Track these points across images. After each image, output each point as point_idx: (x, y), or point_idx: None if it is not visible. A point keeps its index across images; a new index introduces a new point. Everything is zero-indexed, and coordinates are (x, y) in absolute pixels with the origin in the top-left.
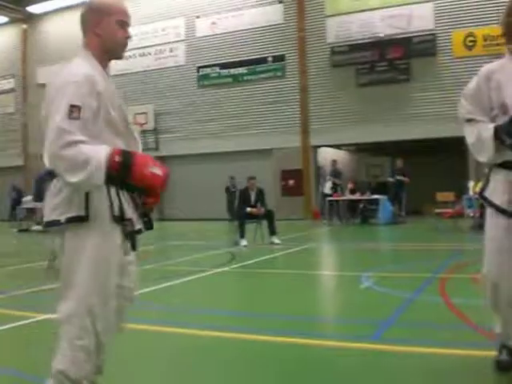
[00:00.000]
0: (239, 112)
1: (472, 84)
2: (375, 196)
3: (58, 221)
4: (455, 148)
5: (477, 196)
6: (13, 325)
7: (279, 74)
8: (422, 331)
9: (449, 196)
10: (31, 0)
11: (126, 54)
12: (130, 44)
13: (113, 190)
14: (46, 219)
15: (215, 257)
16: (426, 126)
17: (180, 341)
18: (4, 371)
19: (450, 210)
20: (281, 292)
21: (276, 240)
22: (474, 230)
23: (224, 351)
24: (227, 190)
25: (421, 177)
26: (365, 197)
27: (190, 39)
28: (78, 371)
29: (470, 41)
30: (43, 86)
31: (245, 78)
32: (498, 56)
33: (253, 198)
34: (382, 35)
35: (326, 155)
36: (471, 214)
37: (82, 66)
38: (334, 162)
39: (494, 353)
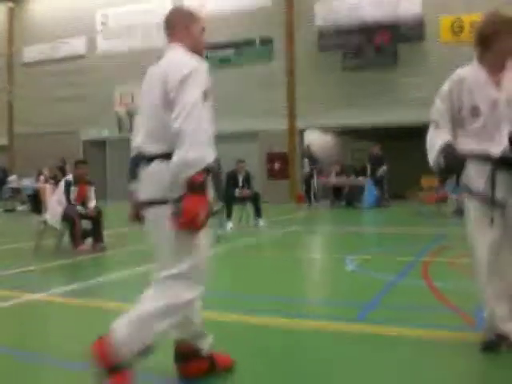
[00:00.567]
0: (226, 94)
1: (445, 87)
2: (360, 178)
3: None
4: None
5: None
6: (2, 304)
7: (266, 56)
8: (404, 313)
9: (433, 181)
10: None
11: (112, 34)
12: (116, 24)
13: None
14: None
15: None
16: (413, 111)
17: None
18: None
19: (434, 195)
20: (266, 274)
21: (261, 222)
22: (457, 214)
23: (207, 331)
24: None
25: (406, 161)
26: (348, 180)
27: None
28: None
29: (458, 26)
30: (29, 65)
31: (232, 60)
32: None
33: (240, 180)
34: (368, 19)
35: (312, 138)
36: (455, 199)
37: (192, 58)
38: (308, 146)
39: (473, 335)
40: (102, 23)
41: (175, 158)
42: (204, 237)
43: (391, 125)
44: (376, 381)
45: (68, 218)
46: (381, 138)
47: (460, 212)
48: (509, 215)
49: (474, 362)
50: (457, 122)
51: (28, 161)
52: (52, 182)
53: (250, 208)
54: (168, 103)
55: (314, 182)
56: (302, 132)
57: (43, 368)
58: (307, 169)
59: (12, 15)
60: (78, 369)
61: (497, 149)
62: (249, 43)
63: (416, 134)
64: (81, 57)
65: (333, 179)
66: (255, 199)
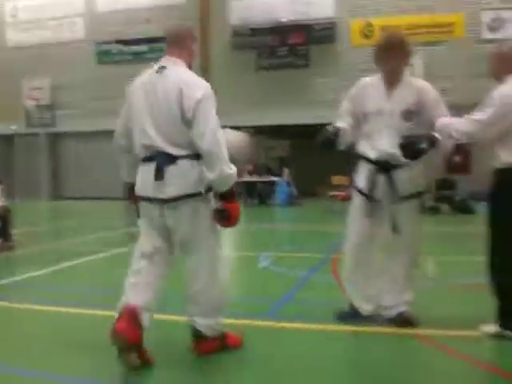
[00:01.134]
0: None
1: (353, 90)
2: (273, 178)
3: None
4: None
5: None
6: None
7: None
8: (315, 309)
9: (342, 179)
10: None
11: (22, 26)
12: (26, 16)
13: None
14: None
15: (114, 237)
16: (324, 111)
17: (71, 320)
18: None
19: (343, 193)
20: (179, 272)
21: None
22: None
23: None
24: None
25: (318, 160)
26: (262, 179)
27: (91, 14)
28: None
29: (368, 30)
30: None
31: (147, 56)
32: None
33: None
34: (283, 20)
35: (226, 138)
36: None
37: (201, 79)
38: None
39: (381, 329)
40: (12, 15)
41: (214, 175)
42: None
43: (304, 124)
44: (279, 372)
45: None
46: (293, 136)
47: None
48: (381, 213)
49: (369, 352)
50: (359, 123)
51: None
52: None
53: None
54: (186, 120)
55: None
56: None
57: None
58: None
59: None
60: None
61: (374, 153)
62: (162, 39)
63: None
64: None
65: (246, 177)
66: None
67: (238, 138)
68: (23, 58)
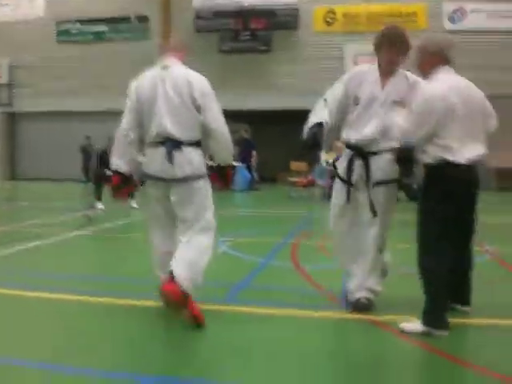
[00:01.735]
0: (100, 71)
1: (346, 75)
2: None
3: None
4: None
5: (327, 166)
6: None
7: (141, 35)
8: (273, 294)
9: (302, 166)
10: None
11: None
12: None
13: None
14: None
15: (70, 220)
16: (285, 97)
17: (29, 304)
18: None
19: (303, 180)
20: (132, 255)
21: (134, 204)
22: (324, 198)
23: (69, 313)
24: (83, 150)
25: (279, 145)
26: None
27: None
28: None
29: (331, 18)
30: None
31: (107, 36)
32: (355, 33)
33: None
34: (246, 4)
35: None
36: (321, 184)
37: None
38: None
39: (337, 314)
40: None
41: (227, 152)
42: None
43: (265, 109)
44: (235, 354)
45: None
46: (254, 121)
47: (327, 196)
48: (360, 197)
49: (328, 338)
50: (345, 111)
51: None
52: None
53: None
54: (196, 106)
55: None
56: None
57: None
58: None
59: None
60: None
61: (356, 138)
62: (124, 20)
63: (288, 119)
64: None
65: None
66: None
67: None
68: None
